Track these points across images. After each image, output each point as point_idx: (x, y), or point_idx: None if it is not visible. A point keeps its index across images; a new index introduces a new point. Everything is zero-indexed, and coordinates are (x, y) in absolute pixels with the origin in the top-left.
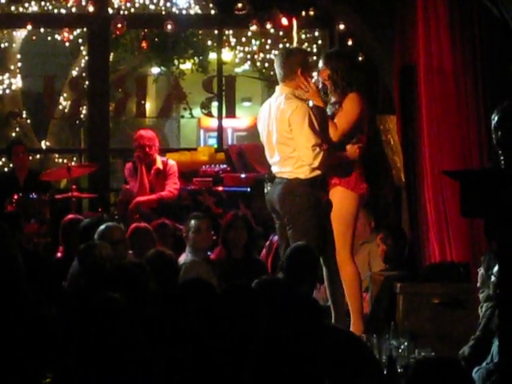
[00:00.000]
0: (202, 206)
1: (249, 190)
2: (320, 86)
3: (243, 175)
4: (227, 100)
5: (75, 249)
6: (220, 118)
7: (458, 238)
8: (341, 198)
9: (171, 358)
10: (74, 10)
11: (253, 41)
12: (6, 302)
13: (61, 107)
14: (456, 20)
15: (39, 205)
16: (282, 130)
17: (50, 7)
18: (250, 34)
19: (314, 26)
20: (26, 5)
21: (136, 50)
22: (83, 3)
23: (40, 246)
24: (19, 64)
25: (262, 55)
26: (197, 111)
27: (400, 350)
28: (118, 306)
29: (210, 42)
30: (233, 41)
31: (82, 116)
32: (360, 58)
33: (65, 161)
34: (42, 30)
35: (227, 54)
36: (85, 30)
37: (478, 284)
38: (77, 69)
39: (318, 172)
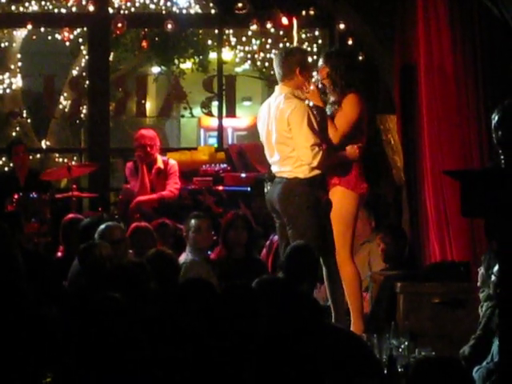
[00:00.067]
0: (203, 206)
1: (249, 189)
2: (319, 85)
3: (243, 175)
4: (227, 99)
5: (75, 248)
6: (220, 117)
7: (459, 238)
8: (341, 198)
9: (171, 358)
10: (74, 9)
11: (253, 40)
12: (6, 301)
13: (61, 107)
14: (456, 19)
15: (39, 204)
16: (281, 130)
17: (51, 7)
18: (250, 33)
19: (315, 25)
20: (27, 4)
21: (136, 50)
22: (83, 3)
23: (40, 245)
24: (19, 63)
25: (262, 55)
26: (197, 111)
27: (400, 350)
28: (119, 305)
29: (210, 42)
30: (233, 40)
31: (82, 115)
32: (360, 58)
33: (65, 160)
34: (42, 29)
35: (227, 54)
36: (85, 29)
37: (479, 283)
38: (77, 68)
39: (317, 171)
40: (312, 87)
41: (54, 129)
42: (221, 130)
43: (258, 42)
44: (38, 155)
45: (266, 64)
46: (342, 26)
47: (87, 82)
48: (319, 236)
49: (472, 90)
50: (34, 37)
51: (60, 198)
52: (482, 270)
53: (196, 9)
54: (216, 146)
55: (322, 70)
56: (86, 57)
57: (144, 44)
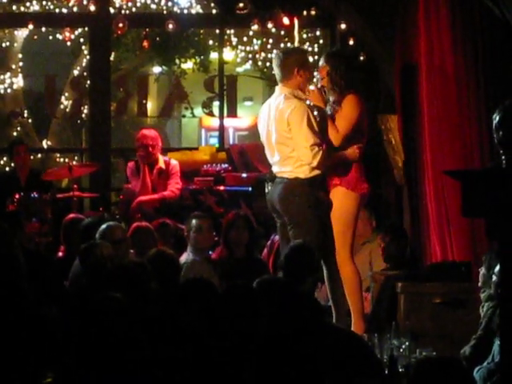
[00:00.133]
0: (204, 206)
1: (250, 189)
2: (319, 85)
3: (244, 175)
4: (228, 99)
5: (76, 248)
6: (221, 117)
7: (460, 238)
8: (341, 198)
9: (171, 358)
10: (75, 9)
11: (254, 40)
12: (7, 301)
13: (62, 107)
14: (457, 20)
15: (40, 204)
16: (281, 130)
17: (52, 6)
18: (251, 33)
19: (316, 25)
20: (28, 4)
21: (137, 50)
22: (84, 3)
23: (41, 245)
24: (20, 63)
25: (263, 55)
26: (198, 111)
27: (401, 350)
28: (119, 305)
29: (211, 42)
30: (234, 40)
31: (83, 115)
32: (361, 58)
33: (66, 160)
34: (43, 29)
35: (229, 54)
36: (86, 29)
37: (480, 283)
38: (78, 68)
39: (317, 171)
40: (313, 87)
41: (55, 129)
42: (222, 130)
43: (259, 41)
44: (39, 155)
45: (267, 64)
46: (343, 26)
47: (88, 82)
48: (320, 236)
49: (473, 90)
50: (35, 37)
51: (61, 197)
52: (483, 270)
53: (197, 9)
54: (217, 146)
55: (323, 70)
56: (87, 57)
57: (145, 44)
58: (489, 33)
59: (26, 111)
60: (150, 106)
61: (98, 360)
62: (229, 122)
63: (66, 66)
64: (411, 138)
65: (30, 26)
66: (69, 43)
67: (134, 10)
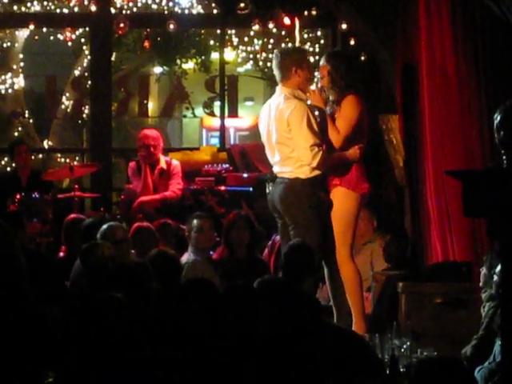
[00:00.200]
0: (205, 206)
1: (251, 189)
2: (319, 85)
3: (245, 175)
4: (229, 99)
5: (77, 248)
6: (222, 117)
7: (461, 238)
8: (342, 198)
9: (171, 358)
10: (76, 9)
11: (255, 40)
12: (7, 301)
13: (63, 107)
14: (458, 19)
15: (41, 204)
16: (281, 130)
17: (53, 7)
18: (252, 33)
19: (317, 25)
20: (29, 4)
21: (138, 50)
22: (85, 3)
23: (42, 245)
24: (21, 64)
25: (264, 55)
26: (199, 111)
27: (402, 350)
28: (120, 305)
29: (212, 42)
30: (235, 40)
31: (84, 116)
32: (362, 58)
33: (67, 160)
34: (44, 29)
35: (229, 54)
36: (87, 29)
37: (481, 283)
38: (79, 68)
39: (318, 172)
40: (313, 87)
41: (56, 129)
42: (223, 130)
43: (260, 42)
44: (40, 155)
45: (268, 64)
46: (344, 26)
47: (89, 82)
48: (321, 236)
49: (473, 90)
50: (36, 37)
51: (62, 198)
52: (484, 270)
53: (198, 9)
54: (218, 146)
55: (323, 69)
56: (88, 57)
57: (146, 44)
58: (490, 33)
59: (27, 111)
60: (151, 106)
61: (98, 360)
62: (230, 122)
63: (67, 66)
64: (412, 137)
65: (31, 27)
66: (70, 43)
67: (135, 10)
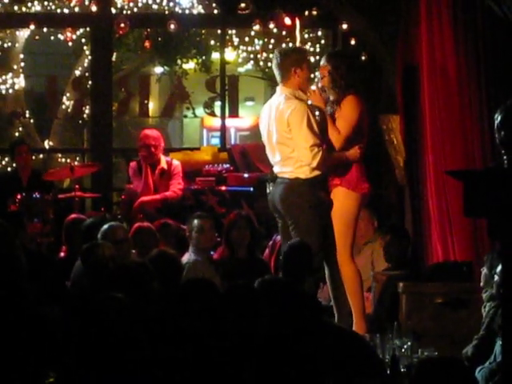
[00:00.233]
0: (205, 206)
1: (252, 189)
2: (319, 85)
3: (246, 175)
4: (230, 99)
5: (78, 248)
6: (223, 117)
7: (461, 238)
8: (342, 198)
9: (171, 358)
10: (77, 9)
11: (256, 40)
12: (7, 301)
13: (64, 107)
14: (459, 20)
15: (42, 204)
16: (281, 131)
17: (53, 7)
18: (253, 33)
19: (317, 25)
20: (29, 4)
21: (139, 50)
22: (86, 3)
23: (43, 245)
24: (22, 64)
25: (264, 55)
26: (200, 111)
27: (403, 350)
28: (121, 305)
29: (213, 42)
30: (236, 40)
31: (85, 116)
32: (363, 58)
33: (68, 160)
34: (45, 29)
35: (230, 54)
36: (88, 29)
37: (481, 283)
38: (80, 68)
39: (318, 172)
40: (314, 87)
41: (56, 129)
42: (223, 130)
43: (261, 42)
44: (41, 155)
45: (269, 64)
46: (344, 26)
47: (90, 82)
48: (322, 236)
49: (474, 91)
50: (37, 37)
51: (63, 198)
52: (484, 270)
53: (199, 9)
54: (219, 146)
55: (324, 69)
56: (89, 57)
57: (147, 44)
58: (490, 33)
59: (27, 111)
60: (152, 106)
61: (98, 360)
62: (230, 122)
63: (68, 66)
64: (413, 138)
65: (32, 27)
66: (70, 43)
67: (135, 10)
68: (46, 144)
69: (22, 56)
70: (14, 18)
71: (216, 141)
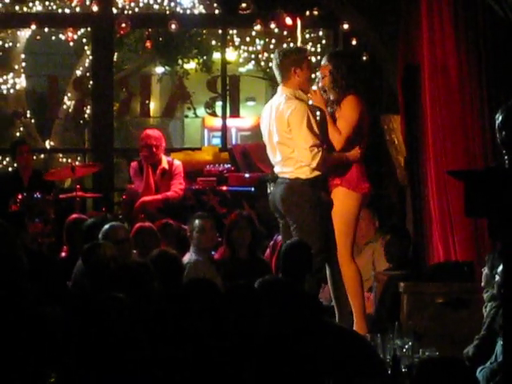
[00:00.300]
0: (206, 206)
1: (253, 189)
2: (320, 84)
3: (247, 175)
4: (231, 100)
5: (79, 248)
6: (224, 117)
7: (462, 238)
8: (342, 198)
9: (171, 358)
10: (78, 9)
11: (257, 40)
12: (7, 301)
13: (65, 107)
14: (460, 20)
15: (43, 204)
16: (281, 131)
17: (54, 7)
18: (254, 33)
19: (318, 25)
20: (30, 4)
21: (140, 50)
22: (87, 3)
23: (44, 245)
24: (23, 64)
25: (266, 55)
26: (201, 111)
27: (404, 350)
28: (122, 305)
29: (214, 42)
30: (237, 40)
31: (86, 116)
32: (364, 58)
33: (69, 160)
34: (46, 29)
35: (231, 54)
36: (89, 29)
37: (483, 284)
38: (81, 68)
39: (318, 172)
40: (314, 87)
41: (57, 129)
42: (225, 130)
43: (262, 42)
44: (42, 155)
45: (270, 64)
46: (345, 27)
47: (91, 82)
48: (322, 236)
49: (475, 88)
50: (38, 37)
51: (64, 198)
52: (485, 270)
53: (200, 9)
54: (220, 146)
55: (324, 69)
56: (90, 57)
57: (148, 44)
58: (491, 33)
59: (28, 111)
60: (153, 106)
61: (98, 360)
62: (231, 122)
63: (69, 66)
64: (414, 138)
65: (33, 27)
66: (71, 43)
67: (136, 10)
68: (47, 144)
69: (23, 56)
70: (15, 18)
71: (217, 141)
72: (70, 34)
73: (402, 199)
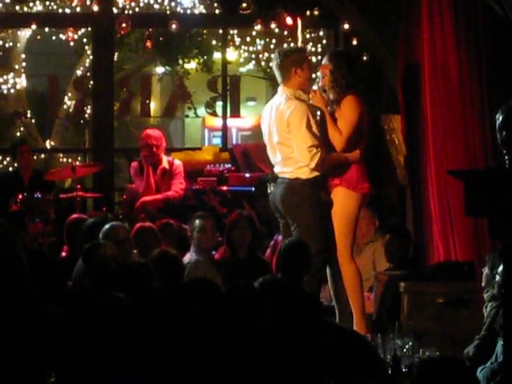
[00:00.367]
0: (207, 206)
1: (253, 189)
2: (320, 84)
3: (248, 175)
4: (232, 99)
5: (80, 248)
6: (224, 117)
7: (463, 237)
8: (342, 198)
9: (171, 358)
10: (78, 9)
11: (257, 40)
12: (7, 301)
13: (65, 107)
14: (460, 20)
15: (44, 204)
16: (281, 131)
17: (55, 7)
18: (254, 33)
19: (319, 25)
20: (31, 4)
21: (140, 50)
22: (88, 3)
23: (45, 245)
24: (24, 63)
25: (266, 55)
26: (201, 111)
27: (404, 350)
28: (123, 305)
29: (214, 42)
30: (237, 40)
31: (86, 116)
32: (364, 58)
33: (69, 160)
34: (46, 29)
35: (232, 54)
36: (89, 29)
37: (483, 283)
38: (81, 68)
39: (318, 172)
40: (314, 87)
41: (58, 129)
42: (225, 130)
43: (263, 42)
44: (43, 155)
45: (271, 64)
46: (346, 26)
47: (91, 82)
48: (322, 236)
49: (476, 90)
50: (39, 37)
51: (64, 198)
52: (486, 270)
53: (200, 9)
54: (220, 146)
55: (325, 68)
56: (91, 57)
57: (148, 44)
58: (492, 33)
59: (29, 111)
60: (153, 106)
61: (98, 360)
62: (232, 122)
63: (69, 66)
64: (414, 137)
65: (33, 26)
66: (72, 43)
67: (137, 9)
68: (48, 144)
69: (23, 56)
70: (16, 18)
71: (217, 141)
72: (70, 34)
73: (402, 199)
